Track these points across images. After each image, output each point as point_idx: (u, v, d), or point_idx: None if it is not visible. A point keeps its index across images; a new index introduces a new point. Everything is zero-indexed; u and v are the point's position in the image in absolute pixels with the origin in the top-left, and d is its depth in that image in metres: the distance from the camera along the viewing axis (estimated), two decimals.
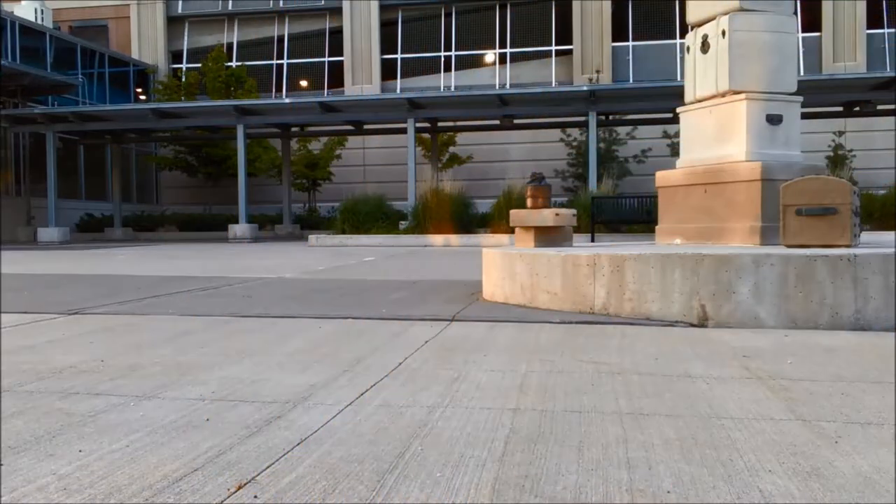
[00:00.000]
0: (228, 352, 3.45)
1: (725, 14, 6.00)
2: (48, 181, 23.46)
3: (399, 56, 29.33)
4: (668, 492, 1.67)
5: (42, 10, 28.41)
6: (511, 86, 27.64)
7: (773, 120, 5.91)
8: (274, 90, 30.00)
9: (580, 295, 4.61)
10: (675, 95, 12.42)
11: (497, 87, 27.55)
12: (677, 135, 7.71)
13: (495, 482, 1.74)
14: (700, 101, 6.34)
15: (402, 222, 19.07)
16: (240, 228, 22.07)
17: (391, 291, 6.12)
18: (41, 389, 2.69)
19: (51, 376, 2.90)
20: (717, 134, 6.11)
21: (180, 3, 31.04)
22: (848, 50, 26.03)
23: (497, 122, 23.07)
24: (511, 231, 5.94)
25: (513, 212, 5.84)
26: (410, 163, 21.00)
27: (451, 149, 26.64)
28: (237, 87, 26.86)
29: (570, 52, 28.03)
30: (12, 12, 25.64)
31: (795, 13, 6.60)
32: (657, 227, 6.62)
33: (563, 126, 24.76)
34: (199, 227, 26.41)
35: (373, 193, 20.56)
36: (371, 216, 18.98)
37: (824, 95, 19.79)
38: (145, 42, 30.80)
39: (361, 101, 23.27)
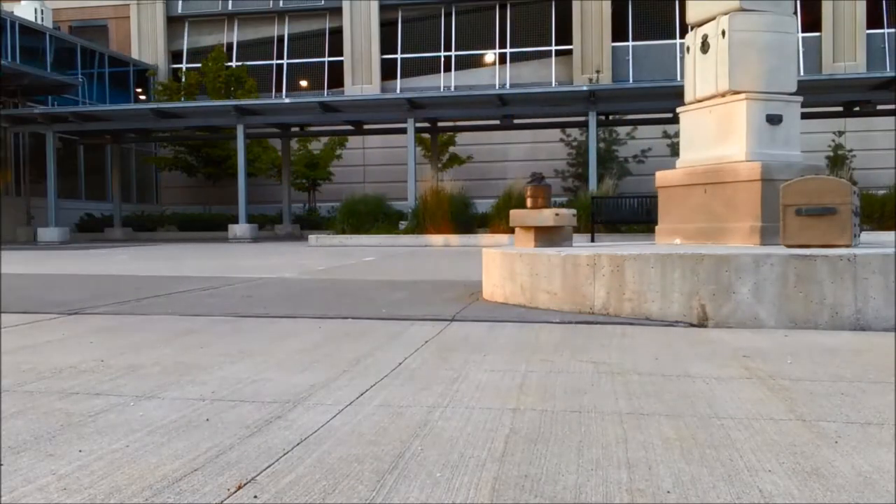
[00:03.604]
0: (228, 352, 3.45)
1: (725, 14, 6.00)
2: (48, 181, 23.45)
3: (399, 56, 29.33)
4: (668, 492, 1.67)
5: (42, 10, 28.40)
6: (511, 86, 27.64)
7: (773, 120, 5.91)
8: (274, 90, 30.00)
9: (580, 295, 4.61)
10: (675, 95, 12.42)
11: (497, 87, 27.54)
12: (677, 135, 7.72)
13: (495, 482, 1.74)
14: (700, 101, 6.35)
15: (402, 222, 19.07)
16: (240, 228, 22.06)
17: (391, 291, 6.12)
18: (41, 389, 2.69)
19: (51, 376, 2.90)
20: (717, 134, 6.11)
21: (180, 3, 31.03)
22: (848, 50, 26.03)
23: (497, 122, 23.07)
24: (511, 231, 5.93)
25: (513, 212, 5.83)
26: (410, 163, 20.99)
27: (451, 149, 26.63)
28: (237, 87, 26.85)
29: (569, 52, 28.03)
30: (12, 12, 25.64)
31: (795, 13, 6.60)
32: (657, 227, 6.62)
33: (562, 126, 24.75)
34: (199, 227, 26.41)
35: (373, 193, 20.57)
36: (371, 216, 18.99)
37: (824, 95, 19.79)
38: (145, 42, 30.79)
39: (361, 101, 23.27)
